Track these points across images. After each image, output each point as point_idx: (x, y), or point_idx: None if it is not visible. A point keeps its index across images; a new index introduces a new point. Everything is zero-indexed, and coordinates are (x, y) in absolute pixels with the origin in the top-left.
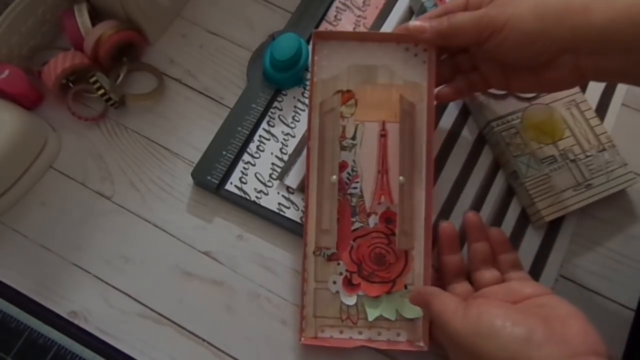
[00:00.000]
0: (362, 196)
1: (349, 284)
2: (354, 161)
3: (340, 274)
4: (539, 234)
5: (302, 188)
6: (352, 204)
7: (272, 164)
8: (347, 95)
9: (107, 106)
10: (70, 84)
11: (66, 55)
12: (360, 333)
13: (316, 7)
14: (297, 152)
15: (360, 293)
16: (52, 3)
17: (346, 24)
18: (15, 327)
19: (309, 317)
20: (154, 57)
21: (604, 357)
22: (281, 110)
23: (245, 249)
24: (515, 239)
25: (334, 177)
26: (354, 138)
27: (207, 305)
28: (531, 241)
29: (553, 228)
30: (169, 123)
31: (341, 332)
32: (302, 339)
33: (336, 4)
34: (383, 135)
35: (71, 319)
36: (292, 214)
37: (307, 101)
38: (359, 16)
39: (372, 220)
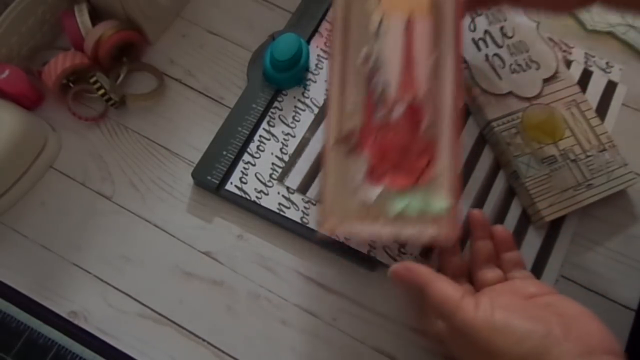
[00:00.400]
0: (386, 88)
1: (372, 177)
2: (377, 52)
3: (363, 166)
4: (539, 234)
5: (302, 189)
6: (376, 96)
7: (272, 164)
8: None
9: (107, 106)
10: (70, 84)
11: (66, 55)
12: (383, 228)
13: (316, 7)
14: (297, 152)
15: (383, 186)
16: (52, 3)
17: None
18: (15, 327)
19: (328, 211)
20: (154, 57)
21: (621, 357)
22: (281, 110)
23: (245, 249)
24: (517, 239)
25: (360, 58)
26: (378, 29)
27: (207, 305)
28: (532, 241)
29: (554, 228)
30: (169, 123)
31: (362, 227)
32: (321, 230)
33: None
34: (409, 27)
35: (71, 319)
36: (292, 214)
37: (307, 101)
38: None
39: (397, 112)
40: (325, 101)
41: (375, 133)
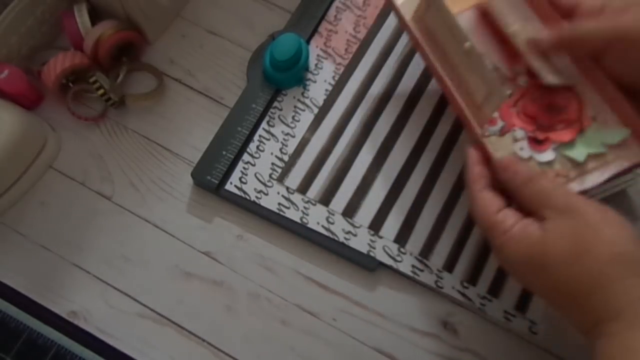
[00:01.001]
0: (497, 67)
1: (537, 143)
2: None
3: (522, 139)
4: None
5: (302, 189)
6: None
7: (272, 164)
8: None
9: (107, 106)
10: (70, 84)
11: (66, 55)
12: (579, 182)
13: (316, 7)
14: (297, 152)
15: (553, 145)
16: (51, 3)
17: (346, 23)
18: (15, 327)
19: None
20: (154, 57)
21: None
22: (281, 110)
23: (245, 249)
24: None
25: (467, 43)
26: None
27: (207, 305)
28: None
29: None
30: (169, 123)
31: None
32: None
33: (336, 4)
34: (481, 14)
35: (71, 319)
36: (292, 214)
37: (307, 101)
38: (359, 16)
39: (522, 81)
40: (452, 105)
41: (514, 108)
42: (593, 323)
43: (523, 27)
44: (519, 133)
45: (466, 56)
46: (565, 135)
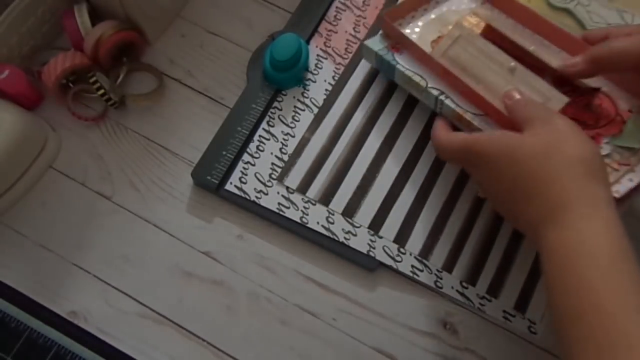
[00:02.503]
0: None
1: None
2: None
3: None
4: None
5: (302, 189)
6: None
7: (272, 164)
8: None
9: (107, 106)
10: (70, 84)
11: (66, 55)
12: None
13: (316, 7)
14: (297, 152)
15: (605, 139)
16: (52, 3)
17: (346, 24)
18: (15, 327)
19: None
20: (154, 57)
21: None
22: (281, 110)
23: (245, 249)
24: (517, 240)
25: (512, 63)
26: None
27: (207, 305)
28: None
29: None
30: (169, 123)
31: (620, 182)
32: None
33: (336, 4)
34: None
35: (71, 319)
36: (291, 214)
37: (306, 101)
38: (358, 16)
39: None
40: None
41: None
42: (546, 214)
43: (538, 48)
44: None
45: (511, 74)
46: (613, 128)
